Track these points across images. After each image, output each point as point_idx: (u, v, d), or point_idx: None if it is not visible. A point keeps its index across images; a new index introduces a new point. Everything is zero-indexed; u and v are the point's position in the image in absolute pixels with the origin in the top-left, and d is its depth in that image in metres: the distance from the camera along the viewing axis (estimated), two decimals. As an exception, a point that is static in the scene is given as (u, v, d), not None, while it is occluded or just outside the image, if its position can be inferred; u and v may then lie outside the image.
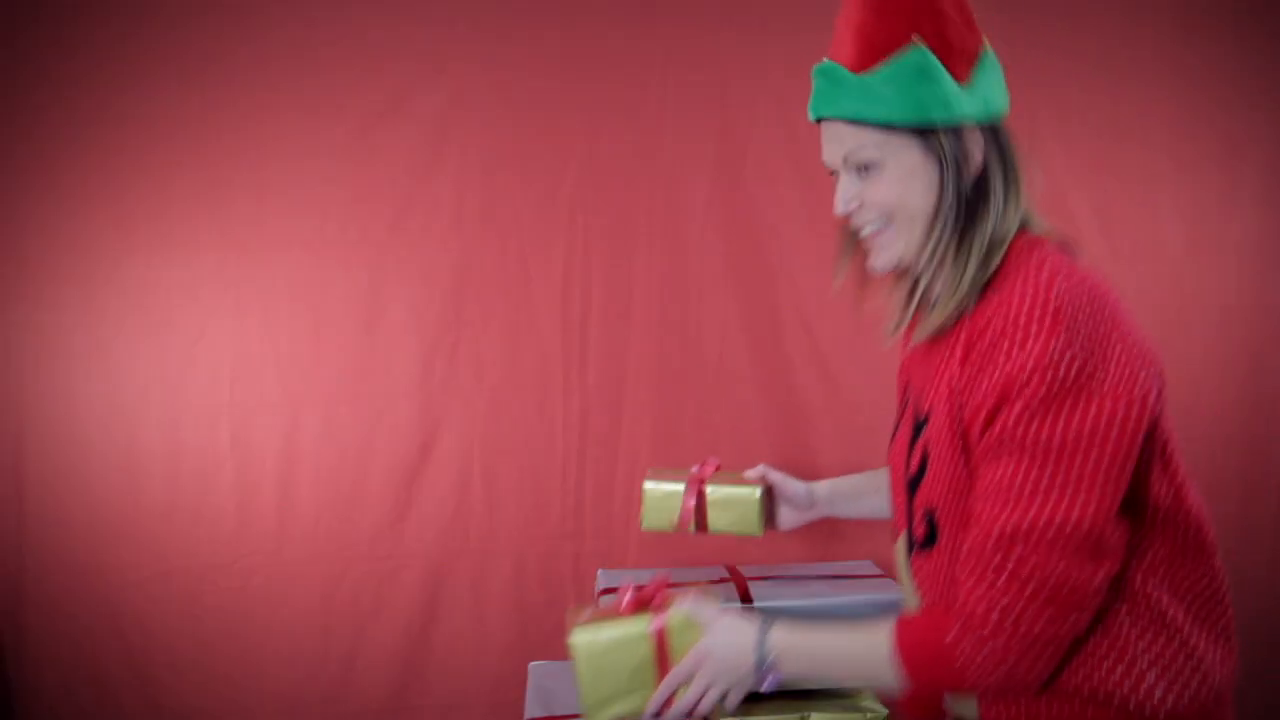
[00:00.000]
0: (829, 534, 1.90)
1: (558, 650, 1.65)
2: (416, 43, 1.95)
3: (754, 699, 1.43)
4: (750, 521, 1.43)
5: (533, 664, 1.67)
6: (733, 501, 1.43)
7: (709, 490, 1.43)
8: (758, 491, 1.43)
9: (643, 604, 1.16)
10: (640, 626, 1.12)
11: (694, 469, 1.51)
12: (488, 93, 1.95)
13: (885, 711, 1.39)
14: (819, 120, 1.10)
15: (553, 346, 1.98)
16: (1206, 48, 1.71)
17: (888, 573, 1.70)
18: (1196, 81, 1.72)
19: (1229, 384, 1.73)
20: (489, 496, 1.99)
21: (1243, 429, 1.73)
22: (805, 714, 1.38)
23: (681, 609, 1.11)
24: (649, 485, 1.49)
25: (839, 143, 1.05)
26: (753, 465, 1.90)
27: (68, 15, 2.02)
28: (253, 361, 2.00)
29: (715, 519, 1.44)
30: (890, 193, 1.01)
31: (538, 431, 1.98)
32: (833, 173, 1.08)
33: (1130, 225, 1.76)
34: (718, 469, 1.52)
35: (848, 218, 1.07)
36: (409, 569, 2.02)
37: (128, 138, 2.03)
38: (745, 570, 1.62)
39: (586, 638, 1.12)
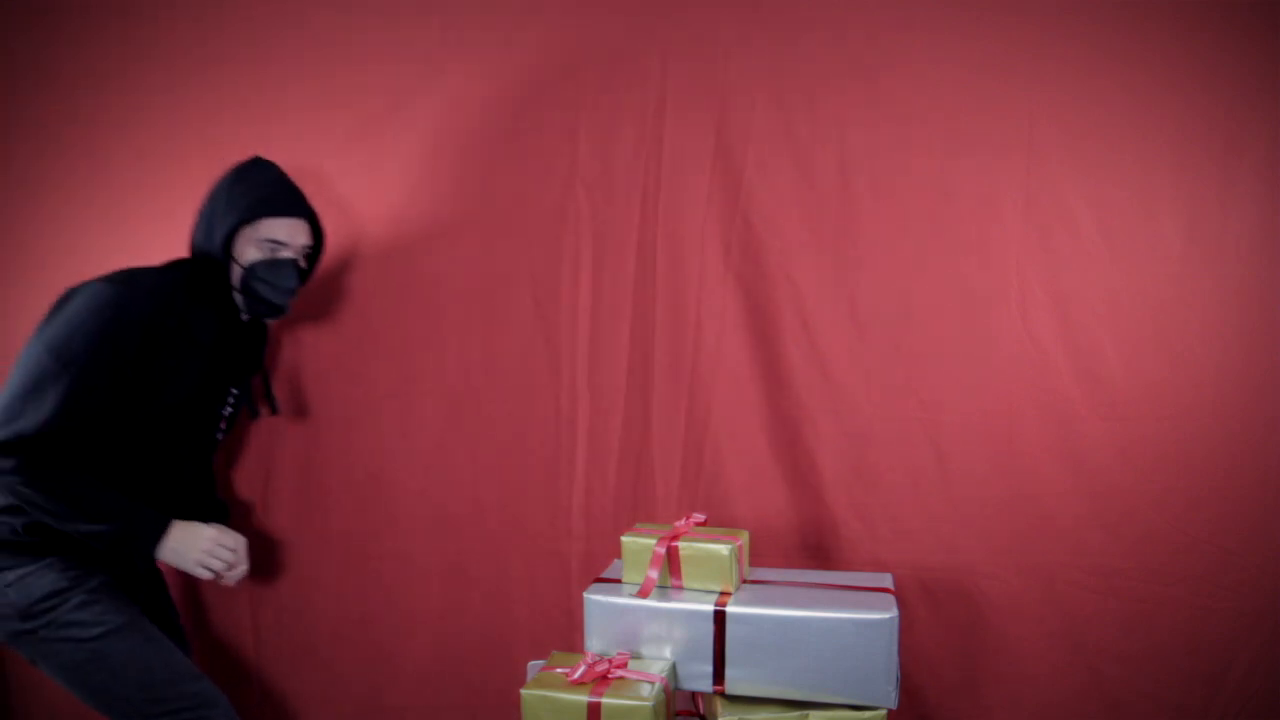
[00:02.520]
0: (837, 542, 1.91)
1: (556, 649, 1.65)
2: (416, 43, 1.96)
3: (754, 700, 1.44)
4: (724, 577, 1.49)
5: (531, 663, 1.67)
6: (705, 558, 1.51)
7: (682, 546, 1.50)
8: (727, 549, 1.48)
9: (592, 677, 1.40)
10: (581, 698, 1.36)
11: (678, 523, 1.59)
12: (487, 92, 1.95)
13: (884, 711, 1.40)
14: None
15: (552, 346, 1.98)
16: (1205, 47, 1.71)
17: (901, 590, 1.71)
18: (1195, 80, 1.71)
19: (1230, 383, 1.73)
20: (487, 496, 1.99)
21: (1245, 428, 1.73)
22: (805, 713, 1.39)
23: (615, 699, 1.35)
24: (626, 539, 1.54)
25: None
26: (753, 465, 1.92)
27: (68, 18, 2.02)
28: (252, 361, 2.00)
29: (689, 575, 1.49)
30: None
31: (536, 431, 1.98)
32: None
33: (1128, 224, 1.75)
34: (702, 524, 1.58)
35: None
36: (407, 569, 2.02)
37: (129, 140, 2.03)
38: (753, 573, 1.63)
39: (535, 693, 1.38)
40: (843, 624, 1.40)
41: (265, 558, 2.00)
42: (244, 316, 1.77)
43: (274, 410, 1.95)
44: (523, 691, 1.39)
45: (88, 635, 1.56)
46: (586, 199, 1.94)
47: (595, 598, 1.51)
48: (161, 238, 2.02)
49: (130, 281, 1.61)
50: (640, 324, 1.95)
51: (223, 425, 1.83)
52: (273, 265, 1.70)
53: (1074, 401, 1.78)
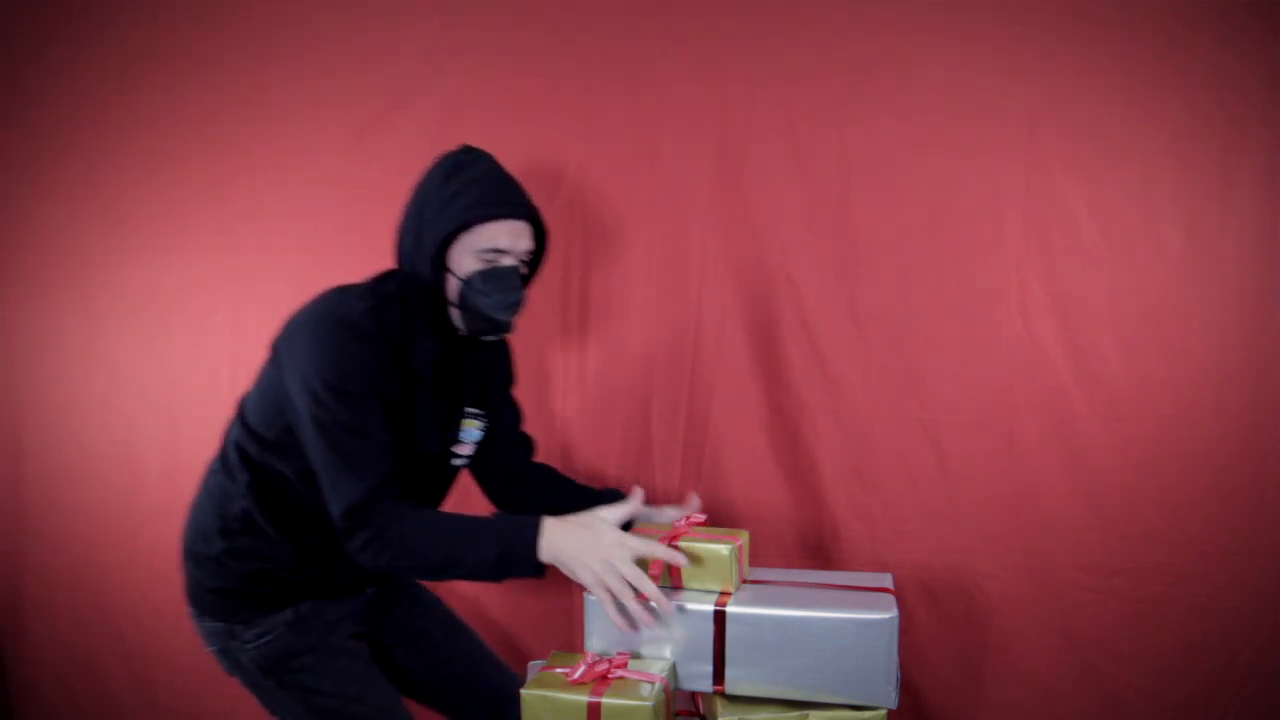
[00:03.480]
0: (837, 542, 1.91)
1: (556, 649, 1.65)
2: (416, 44, 1.96)
3: (754, 700, 1.44)
4: (724, 577, 1.48)
5: (531, 663, 1.67)
6: (706, 558, 1.48)
7: (682, 546, 1.49)
8: (727, 549, 1.48)
9: (592, 677, 1.38)
10: (581, 698, 1.34)
11: (678, 521, 1.56)
12: (487, 93, 1.95)
13: (884, 711, 1.39)
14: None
15: (552, 346, 1.98)
16: (1205, 47, 1.71)
17: (901, 590, 1.71)
18: (1195, 81, 1.71)
19: (1229, 383, 1.73)
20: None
21: (1244, 428, 1.73)
22: (805, 713, 1.39)
23: (615, 699, 1.33)
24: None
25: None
26: (753, 465, 1.92)
27: (67, 19, 2.02)
28: (252, 362, 1.99)
29: (689, 574, 1.49)
30: None
31: (536, 431, 1.98)
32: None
33: (1128, 224, 1.75)
34: (702, 524, 1.57)
35: None
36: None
37: (128, 140, 2.03)
38: (753, 573, 1.63)
39: (535, 693, 1.36)
40: (843, 624, 1.40)
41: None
42: (461, 333, 1.52)
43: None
44: (523, 691, 1.39)
45: (325, 705, 1.50)
46: (587, 199, 1.94)
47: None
48: (161, 238, 2.02)
49: (343, 302, 1.43)
50: (640, 324, 1.95)
51: (463, 453, 1.61)
52: (494, 276, 1.44)
53: (1074, 401, 1.78)
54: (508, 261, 1.47)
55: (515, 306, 1.48)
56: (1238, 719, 1.76)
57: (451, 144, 1.95)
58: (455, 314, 1.48)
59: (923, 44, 1.81)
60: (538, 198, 1.95)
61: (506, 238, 1.46)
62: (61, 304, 2.05)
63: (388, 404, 1.41)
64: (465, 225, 1.43)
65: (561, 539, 1.35)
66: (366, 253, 1.97)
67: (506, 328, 1.50)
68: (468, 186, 1.45)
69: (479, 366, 1.62)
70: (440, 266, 1.45)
